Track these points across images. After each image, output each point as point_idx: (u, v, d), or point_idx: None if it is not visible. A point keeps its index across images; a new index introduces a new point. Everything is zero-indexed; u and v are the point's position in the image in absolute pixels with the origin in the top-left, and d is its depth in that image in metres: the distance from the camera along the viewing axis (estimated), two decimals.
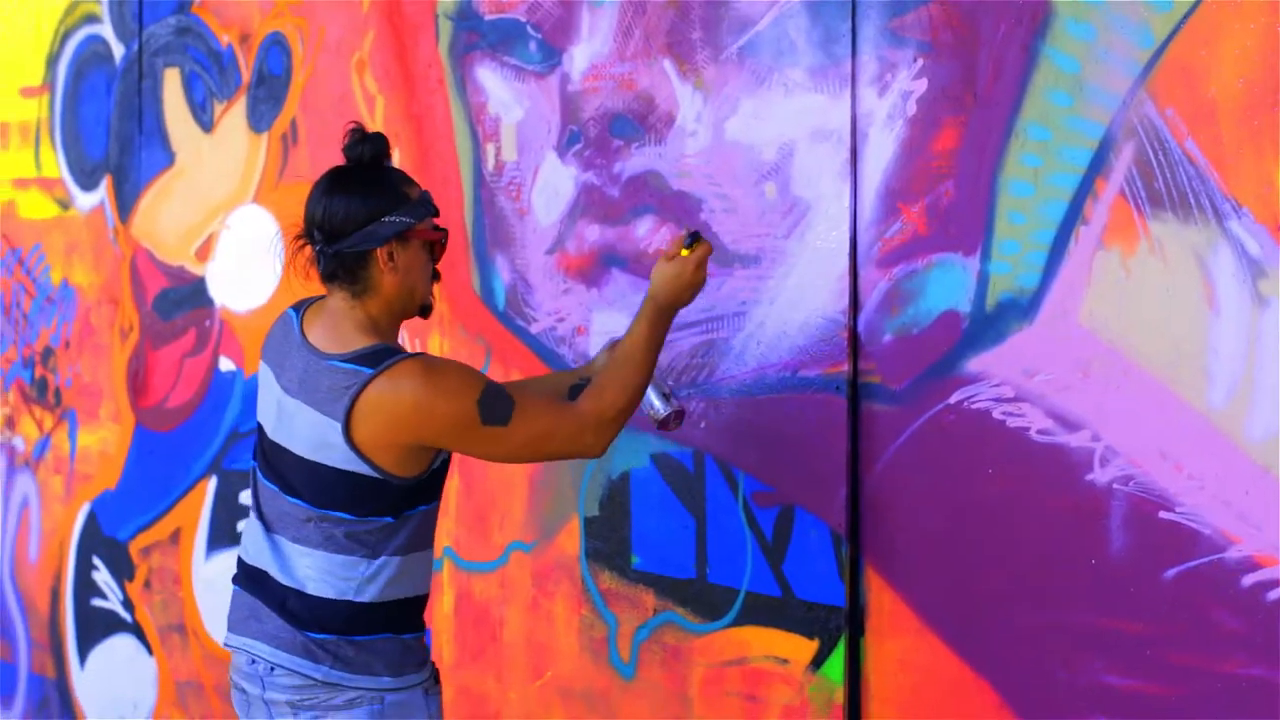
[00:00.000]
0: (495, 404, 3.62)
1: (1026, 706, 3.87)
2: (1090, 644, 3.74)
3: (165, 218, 6.42)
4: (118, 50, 6.62)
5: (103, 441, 6.85)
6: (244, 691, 3.81)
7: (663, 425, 4.10)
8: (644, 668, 4.70)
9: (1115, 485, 3.67)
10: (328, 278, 3.73)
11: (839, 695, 4.21)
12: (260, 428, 3.88)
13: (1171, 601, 3.58)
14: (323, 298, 3.84)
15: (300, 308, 3.86)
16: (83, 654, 7.06)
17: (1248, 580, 3.46)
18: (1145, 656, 3.62)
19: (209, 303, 6.23)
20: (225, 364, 6.15)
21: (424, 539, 3.80)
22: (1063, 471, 3.77)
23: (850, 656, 4.19)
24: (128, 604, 6.72)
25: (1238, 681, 3.47)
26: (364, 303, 3.71)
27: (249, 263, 6.03)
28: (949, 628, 4.02)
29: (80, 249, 6.95)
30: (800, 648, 4.29)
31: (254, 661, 3.75)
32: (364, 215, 3.66)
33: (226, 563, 6.02)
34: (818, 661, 4.25)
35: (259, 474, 3.85)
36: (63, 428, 7.10)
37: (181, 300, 6.34)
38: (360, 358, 3.60)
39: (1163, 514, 3.59)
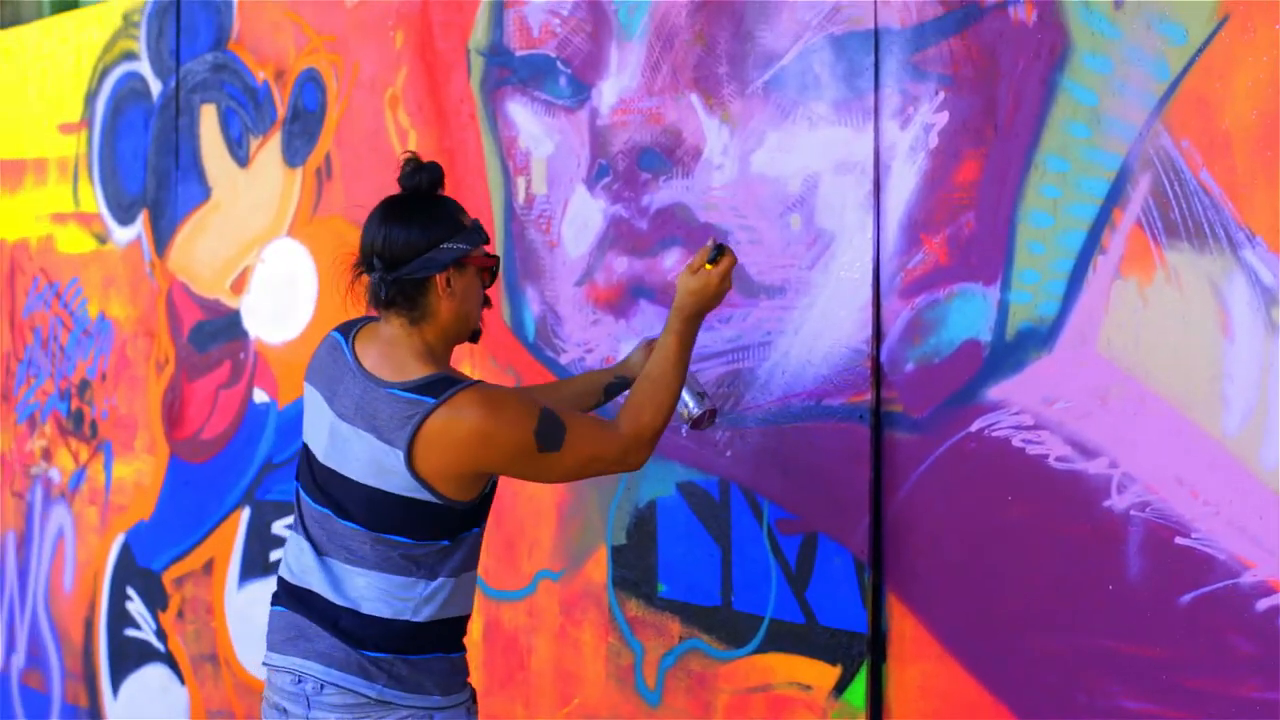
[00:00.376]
0: (551, 431, 3.67)
1: None
2: (1108, 668, 3.73)
3: (201, 251, 6.43)
4: (155, 87, 6.64)
5: (138, 473, 6.83)
6: (285, 712, 3.82)
7: (695, 424, 4.12)
8: (670, 694, 4.70)
9: (1132, 511, 3.66)
10: (386, 304, 3.75)
11: None
12: (308, 450, 3.90)
13: (1188, 626, 3.57)
14: (369, 321, 3.87)
15: (347, 332, 3.89)
16: (115, 684, 7.04)
17: (1262, 605, 3.44)
18: (1162, 680, 3.61)
19: (244, 335, 6.24)
20: (259, 396, 6.16)
21: (473, 560, 3.84)
22: (1081, 498, 3.76)
23: (872, 682, 4.18)
24: (161, 634, 6.71)
25: (1253, 705, 3.45)
26: (421, 329, 3.73)
27: (283, 296, 6.04)
28: (969, 653, 4.01)
29: (117, 283, 6.95)
30: (823, 674, 4.28)
31: (300, 681, 3.76)
32: (423, 242, 3.69)
33: (259, 592, 6.06)
34: (840, 687, 4.23)
35: (306, 496, 3.88)
36: (98, 459, 7.09)
37: (216, 333, 6.35)
38: (421, 387, 3.63)
39: (1179, 539, 3.58)
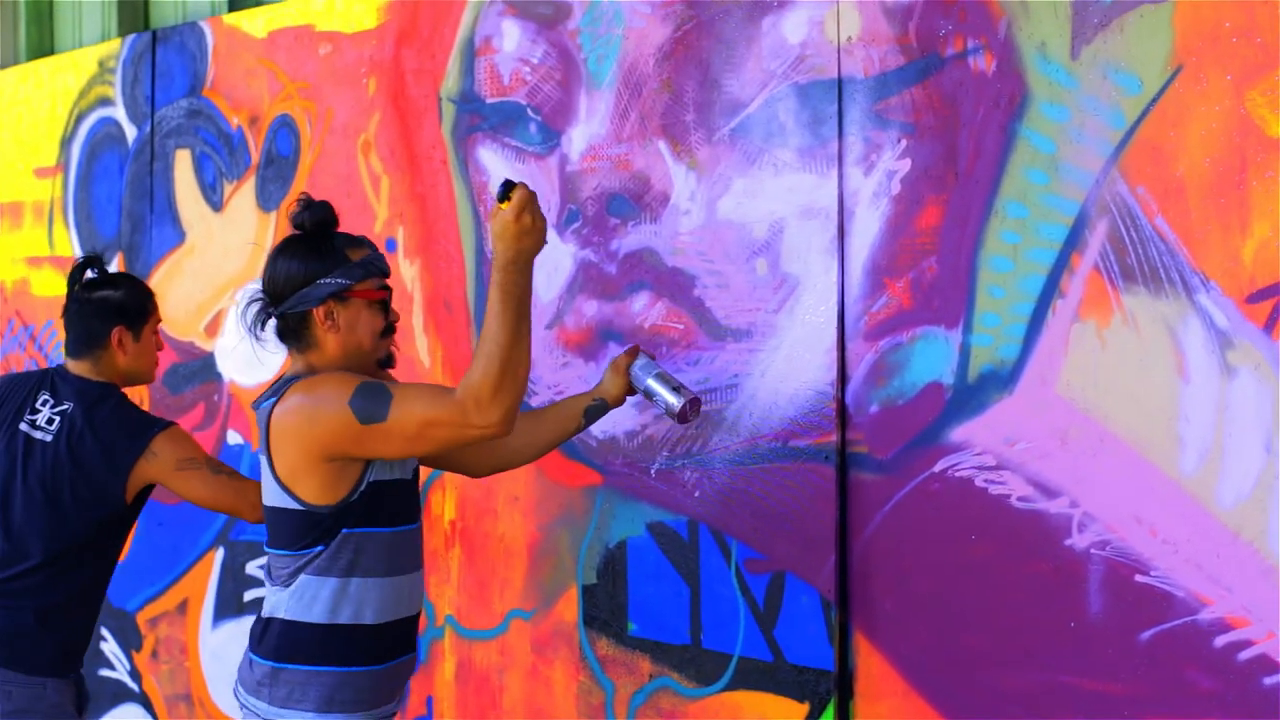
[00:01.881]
0: (369, 403, 3.59)
1: None
2: (1071, 704, 3.76)
3: (176, 295, 6.37)
4: (130, 132, 6.62)
5: None
6: None
7: (682, 419, 4.09)
8: None
9: (1093, 550, 3.71)
10: (279, 337, 3.81)
11: None
12: None
13: (1148, 662, 3.62)
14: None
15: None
16: None
17: (1220, 641, 3.51)
18: (1124, 716, 3.65)
19: (218, 377, 6.22)
20: (233, 437, 6.12)
21: (358, 565, 3.77)
22: (1042, 537, 3.80)
23: (840, 719, 4.19)
24: (135, 674, 6.64)
25: None
26: (307, 357, 3.77)
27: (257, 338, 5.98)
28: (934, 689, 4.04)
29: None
30: (791, 711, 4.29)
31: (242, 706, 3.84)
32: (301, 278, 3.73)
33: (233, 632, 6.05)
34: None
35: None
36: None
37: (191, 375, 6.31)
38: (270, 392, 3.73)
39: (1138, 577, 3.64)
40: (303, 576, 3.70)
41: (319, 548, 3.68)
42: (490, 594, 5.08)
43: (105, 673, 6.82)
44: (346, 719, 3.76)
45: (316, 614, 3.71)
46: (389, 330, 3.85)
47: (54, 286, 7.10)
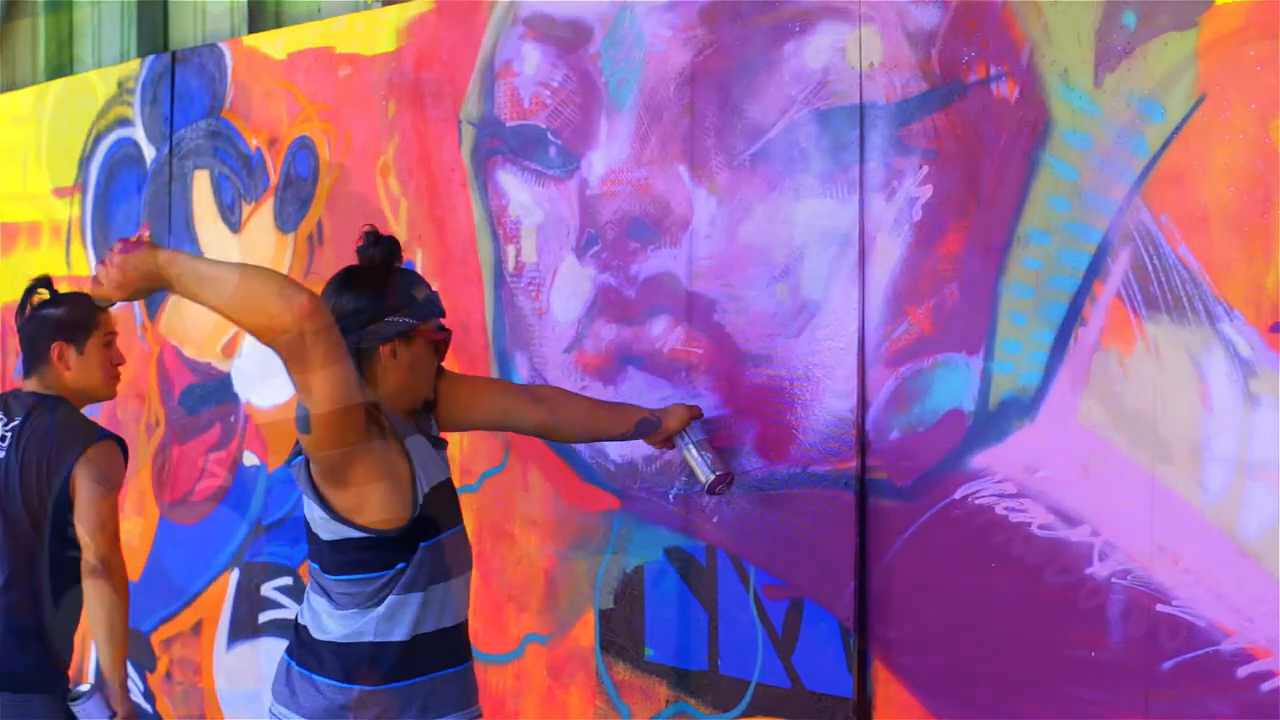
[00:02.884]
0: (300, 418, 3.65)
1: None
2: None
3: (192, 315, 6.40)
4: (149, 152, 6.67)
5: (127, 534, 6.47)
6: None
7: (711, 490, 4.28)
8: None
9: (1114, 579, 3.73)
10: None
11: None
12: None
13: (1170, 692, 3.65)
14: None
15: None
16: None
17: (1242, 672, 3.53)
18: None
19: (234, 398, 6.26)
20: (249, 458, 6.17)
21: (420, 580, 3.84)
22: (1064, 565, 3.83)
23: None
24: (149, 695, 6.69)
25: None
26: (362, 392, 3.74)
27: (274, 359, 5.97)
28: (954, 717, 4.05)
29: None
30: None
31: None
32: (372, 311, 3.75)
33: (248, 653, 6.12)
34: None
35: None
36: None
37: (207, 395, 6.36)
38: (297, 451, 3.80)
39: (1160, 606, 3.66)
40: (392, 596, 3.74)
41: (399, 565, 3.73)
42: (506, 618, 5.11)
43: None
44: None
45: (401, 632, 3.77)
46: (441, 371, 3.93)
47: None
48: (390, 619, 3.75)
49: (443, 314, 3.96)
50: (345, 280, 3.84)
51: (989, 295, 3.98)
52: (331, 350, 3.44)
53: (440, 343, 3.94)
